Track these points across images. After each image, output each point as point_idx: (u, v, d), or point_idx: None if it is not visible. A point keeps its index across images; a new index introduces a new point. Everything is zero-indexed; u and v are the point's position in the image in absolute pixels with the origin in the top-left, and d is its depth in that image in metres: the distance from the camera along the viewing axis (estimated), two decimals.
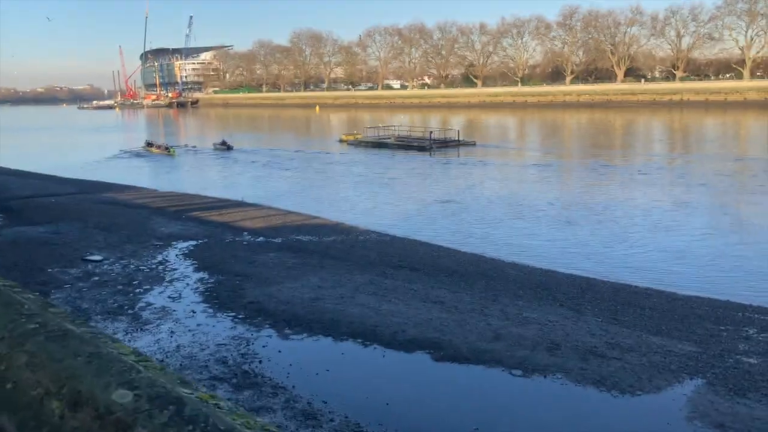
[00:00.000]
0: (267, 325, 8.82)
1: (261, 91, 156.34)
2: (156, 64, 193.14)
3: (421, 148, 40.73)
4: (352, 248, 14.42)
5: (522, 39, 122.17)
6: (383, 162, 36.68)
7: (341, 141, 48.60)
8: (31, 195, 21.34)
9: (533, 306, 9.98)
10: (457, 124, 66.07)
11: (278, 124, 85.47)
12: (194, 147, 49.34)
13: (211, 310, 9.52)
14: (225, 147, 46.51)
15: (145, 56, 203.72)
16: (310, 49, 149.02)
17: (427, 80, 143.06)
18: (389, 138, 45.60)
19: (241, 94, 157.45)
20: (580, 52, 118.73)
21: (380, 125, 50.46)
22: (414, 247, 14.91)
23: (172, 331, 8.64)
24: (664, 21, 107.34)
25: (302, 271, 11.78)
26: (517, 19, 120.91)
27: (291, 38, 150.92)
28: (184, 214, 18.41)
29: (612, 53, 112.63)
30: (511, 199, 22.26)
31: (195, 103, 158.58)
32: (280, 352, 7.99)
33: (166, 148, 45.36)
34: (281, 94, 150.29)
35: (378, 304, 9.67)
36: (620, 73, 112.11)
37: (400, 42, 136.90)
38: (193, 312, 9.46)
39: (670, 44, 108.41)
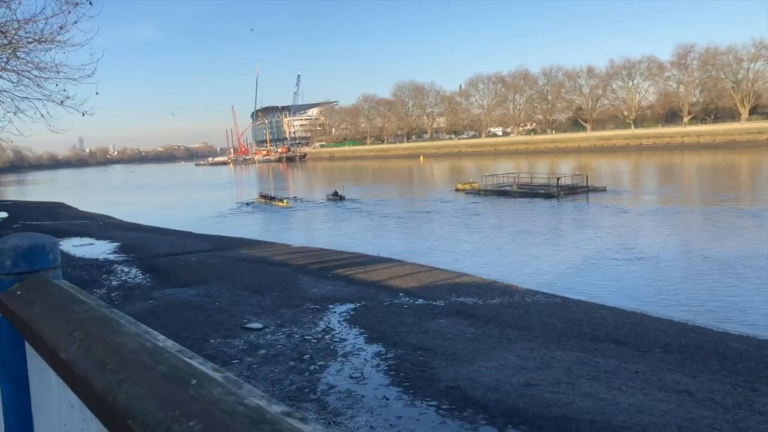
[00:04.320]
0: (483, 421, 7.19)
1: (365, 144, 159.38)
2: (266, 121, 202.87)
3: (548, 196, 38.51)
4: (526, 314, 12.65)
5: (633, 80, 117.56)
6: (509, 211, 34.79)
7: (457, 190, 47.21)
8: (171, 253, 21.20)
9: None
10: (566, 169, 63.10)
11: (384, 175, 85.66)
12: (301, 199, 49.81)
13: (405, 397, 8.02)
14: (337, 197, 46.55)
15: (255, 114, 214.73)
16: (412, 101, 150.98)
17: (530, 126, 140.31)
18: (510, 185, 43.71)
19: (346, 147, 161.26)
20: (698, 92, 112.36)
21: (499, 173, 48.74)
22: (597, 312, 12.93)
23: (371, 427, 7.19)
24: None
25: (489, 344, 10.14)
26: (627, 60, 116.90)
27: (394, 91, 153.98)
28: (327, 272, 17.39)
29: (734, 91, 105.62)
30: (682, 251, 19.72)
31: (303, 157, 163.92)
32: None
33: (281, 200, 46.12)
34: (385, 146, 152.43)
35: (609, 393, 7.81)
36: (744, 112, 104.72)
37: (503, 89, 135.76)
38: (386, 399, 8.00)
39: None
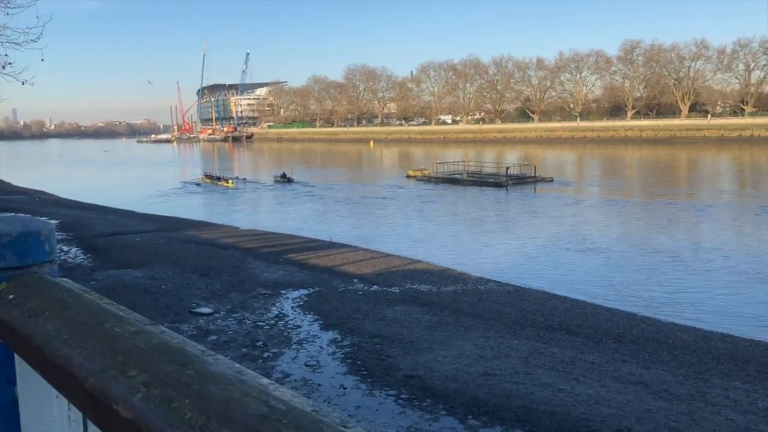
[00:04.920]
0: (443, 412, 7.06)
1: (314, 126, 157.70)
2: (212, 99, 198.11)
3: (497, 184, 38.90)
4: (480, 302, 12.64)
5: (581, 74, 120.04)
6: (459, 199, 34.99)
7: (408, 177, 47.18)
8: (113, 233, 20.32)
9: (757, 388, 7.98)
10: (513, 159, 63.98)
11: (333, 158, 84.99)
12: (247, 179, 48.85)
13: (363, 386, 7.82)
14: (285, 180, 45.88)
15: (201, 91, 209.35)
16: (363, 85, 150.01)
17: (479, 115, 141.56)
18: (460, 173, 43.96)
19: (294, 129, 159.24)
20: (642, 87, 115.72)
21: (449, 161, 48.94)
22: (549, 301, 13.04)
23: None
24: (732, 55, 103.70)
25: (446, 333, 10.04)
26: (576, 53, 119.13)
27: (345, 74, 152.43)
28: (278, 257, 16.99)
29: (676, 88, 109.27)
30: (630, 243, 20.19)
31: (250, 137, 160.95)
32: None
33: (225, 180, 45.20)
34: (334, 129, 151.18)
35: (567, 384, 7.81)
36: (685, 109, 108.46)
37: (454, 77, 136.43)
38: (344, 388, 7.78)
39: (738, 78, 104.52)
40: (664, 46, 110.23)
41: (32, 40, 11.64)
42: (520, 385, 7.74)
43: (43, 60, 12.12)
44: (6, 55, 12.16)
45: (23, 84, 12.31)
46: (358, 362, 8.65)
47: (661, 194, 34.19)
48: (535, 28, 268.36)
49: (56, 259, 1.33)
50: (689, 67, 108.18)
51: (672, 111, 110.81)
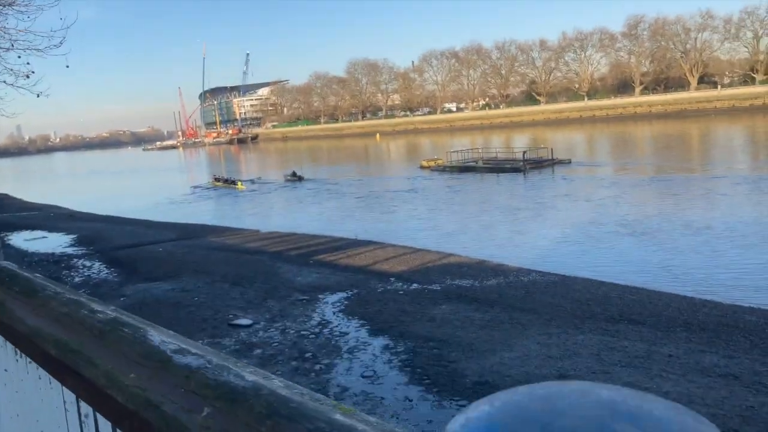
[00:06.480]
0: None
1: (319, 123, 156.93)
2: (215, 102, 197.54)
3: (515, 170, 38.14)
4: (528, 295, 12.01)
5: (585, 52, 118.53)
6: (478, 187, 34.33)
7: (422, 167, 46.46)
8: (134, 244, 19.83)
9: None
10: (523, 143, 63.12)
11: (341, 154, 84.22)
12: (255, 179, 48.36)
13: (430, 397, 7.24)
14: (296, 178, 45.35)
15: (203, 95, 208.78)
16: (366, 78, 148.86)
17: (482, 101, 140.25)
18: (476, 161, 43.21)
19: (299, 127, 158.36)
20: (648, 62, 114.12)
21: (462, 149, 48.19)
22: (599, 289, 12.38)
23: None
24: (739, 23, 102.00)
25: (503, 331, 9.44)
26: (579, 32, 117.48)
27: (347, 68, 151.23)
28: (307, 258, 16.43)
29: (683, 61, 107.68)
30: (661, 220, 19.47)
31: (255, 138, 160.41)
32: None
33: (233, 182, 44.83)
34: (339, 124, 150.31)
35: (651, 382, 7.19)
36: (693, 81, 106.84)
37: (457, 65, 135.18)
38: (409, 400, 7.20)
39: (746, 47, 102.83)
40: (669, 19, 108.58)
41: (55, 46, 10.93)
42: None
43: (68, 66, 11.37)
44: (28, 63, 11.44)
45: (38, 96, 11.67)
46: (418, 370, 8.06)
47: (687, 168, 33.33)
48: (536, 9, 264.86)
49: None
50: (696, 39, 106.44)
51: (681, 84, 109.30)
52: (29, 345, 1.21)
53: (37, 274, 1.47)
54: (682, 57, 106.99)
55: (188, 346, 1.03)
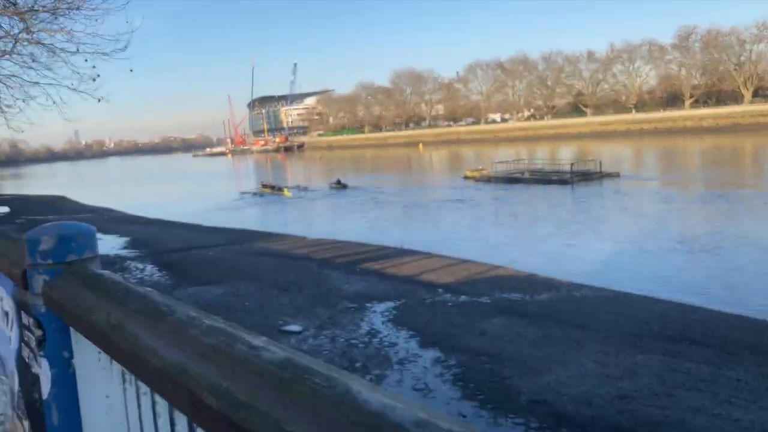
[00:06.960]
0: None
1: (363, 132, 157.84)
2: (263, 111, 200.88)
3: (562, 182, 37.51)
4: (582, 310, 11.70)
5: (634, 64, 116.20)
6: (524, 198, 33.85)
7: (466, 177, 46.13)
8: (184, 248, 20.17)
9: None
10: (569, 155, 62.03)
11: (384, 163, 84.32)
12: (301, 187, 48.93)
13: (485, 413, 7.07)
14: (341, 186, 45.64)
15: (252, 104, 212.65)
16: (410, 88, 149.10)
17: (528, 112, 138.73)
18: (522, 172, 42.68)
19: (344, 136, 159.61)
20: (699, 75, 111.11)
21: (508, 160, 47.72)
22: (656, 306, 11.96)
23: None
24: None
25: (557, 348, 9.18)
26: (628, 44, 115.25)
27: (392, 78, 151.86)
28: (354, 266, 16.40)
29: (737, 73, 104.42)
30: (723, 238, 18.78)
31: (301, 146, 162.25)
32: None
33: (280, 189, 45.44)
34: (383, 134, 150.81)
35: (720, 408, 6.86)
36: (747, 94, 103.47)
37: (502, 75, 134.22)
38: (463, 416, 7.04)
39: None
40: (723, 30, 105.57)
41: (120, 49, 11.22)
42: (667, 410, 6.83)
43: (132, 70, 11.68)
44: (94, 67, 11.76)
45: (99, 101, 12.00)
46: (471, 385, 7.89)
47: (742, 184, 32.20)
48: (584, 19, 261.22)
49: (98, 255, 1.54)
50: (751, 51, 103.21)
51: (733, 98, 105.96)
52: (162, 382, 0.88)
53: (149, 288, 1.22)
54: (735, 69, 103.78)
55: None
